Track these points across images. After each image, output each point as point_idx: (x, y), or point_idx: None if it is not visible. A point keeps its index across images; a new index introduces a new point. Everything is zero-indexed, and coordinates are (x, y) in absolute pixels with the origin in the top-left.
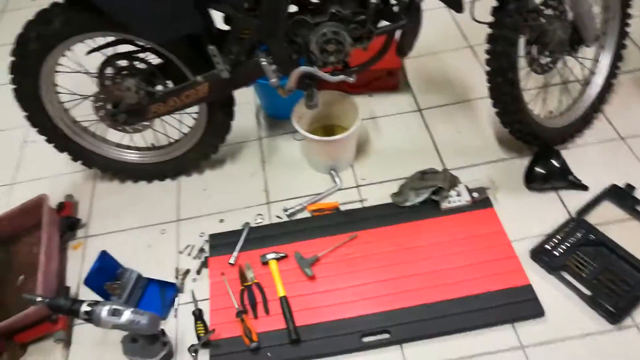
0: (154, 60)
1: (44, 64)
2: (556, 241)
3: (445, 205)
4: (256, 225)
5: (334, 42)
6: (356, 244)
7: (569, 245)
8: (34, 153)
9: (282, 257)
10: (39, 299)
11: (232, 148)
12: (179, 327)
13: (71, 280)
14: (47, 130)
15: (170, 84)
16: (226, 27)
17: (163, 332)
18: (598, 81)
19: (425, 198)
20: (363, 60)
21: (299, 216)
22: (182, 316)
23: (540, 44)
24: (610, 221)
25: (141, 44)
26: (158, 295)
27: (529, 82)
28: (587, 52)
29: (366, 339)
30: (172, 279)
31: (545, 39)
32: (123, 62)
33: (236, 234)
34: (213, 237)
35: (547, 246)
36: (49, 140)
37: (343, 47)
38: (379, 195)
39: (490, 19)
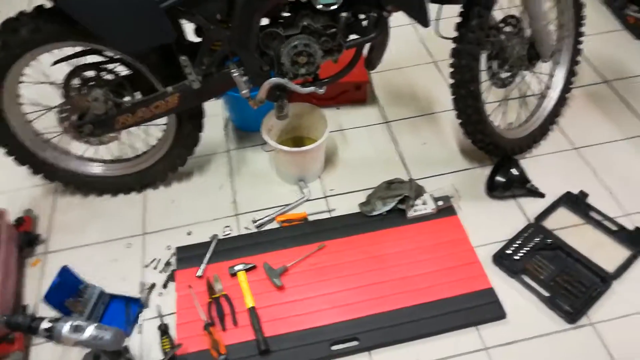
0: (123, 71)
1: (7, 74)
2: (516, 246)
3: (411, 213)
4: (224, 237)
5: (305, 54)
6: (325, 254)
7: (528, 249)
8: None
9: (251, 268)
10: None
11: (200, 160)
12: (143, 343)
13: (29, 298)
14: (7, 143)
15: (138, 95)
16: (197, 39)
17: (127, 349)
18: (553, 95)
19: (392, 207)
20: (332, 73)
21: (268, 227)
22: (147, 332)
23: (500, 59)
24: (565, 226)
25: (110, 54)
26: (122, 311)
27: (490, 95)
28: (544, 67)
29: (335, 347)
30: (137, 294)
31: (505, 54)
32: (90, 73)
33: (204, 246)
34: (180, 249)
35: (507, 251)
36: (9, 153)
37: (314, 60)
38: (347, 205)
39: (453, 35)
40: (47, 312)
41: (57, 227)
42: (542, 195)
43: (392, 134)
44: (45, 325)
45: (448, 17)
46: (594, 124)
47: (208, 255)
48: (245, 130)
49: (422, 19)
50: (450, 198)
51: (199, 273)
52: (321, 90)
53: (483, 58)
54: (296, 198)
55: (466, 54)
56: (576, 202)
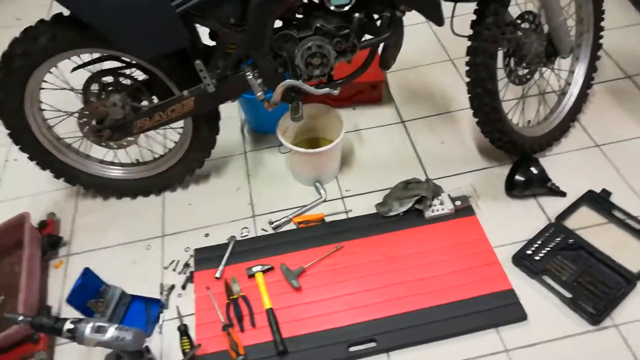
0: (140, 76)
1: (29, 81)
2: (537, 246)
3: (428, 214)
4: (242, 238)
5: (318, 55)
6: (342, 255)
7: (549, 249)
8: (14, 171)
9: (268, 270)
10: (20, 317)
11: (217, 162)
12: (164, 343)
13: (53, 299)
14: (30, 148)
15: (155, 99)
16: (212, 42)
17: (148, 349)
18: (574, 91)
19: (409, 207)
20: (346, 73)
21: (285, 228)
22: (167, 332)
23: (517, 56)
24: (588, 225)
25: (127, 60)
26: (143, 311)
27: (507, 92)
28: (563, 63)
29: (353, 349)
30: (156, 295)
31: (522, 51)
32: (108, 78)
33: (222, 247)
34: (198, 251)
35: (528, 251)
36: (31, 158)
37: (328, 61)
38: (364, 206)
39: (469, 32)
40: (70, 312)
41: (79, 230)
42: (563, 194)
43: (409, 133)
44: (68, 326)
45: (463, 14)
46: (616, 120)
47: (226, 257)
48: (261, 132)
49: (437, 17)
50: (469, 198)
51: (217, 274)
52: (335, 92)
53: (500, 55)
54: (313, 199)
55: (482, 51)
56: (599, 201)
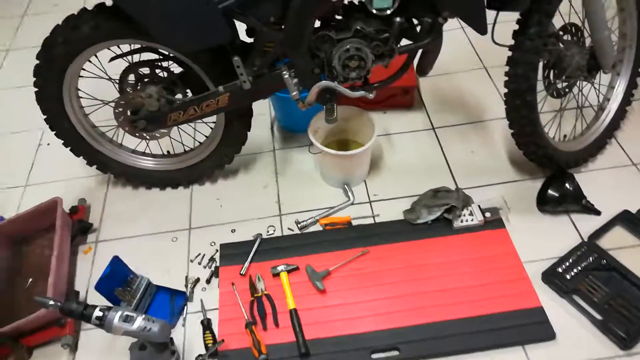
0: (176, 69)
1: (68, 69)
2: (568, 264)
3: (457, 224)
4: (268, 236)
5: (356, 58)
6: (367, 259)
7: (580, 269)
8: (48, 156)
9: (293, 270)
10: (51, 302)
11: (246, 159)
12: (186, 336)
13: (80, 284)
14: (65, 134)
15: (189, 92)
16: (249, 39)
17: (172, 341)
18: (613, 107)
19: (437, 216)
20: (381, 77)
21: (311, 229)
22: (190, 325)
23: (557, 68)
24: (621, 246)
25: (164, 52)
26: (167, 303)
27: (545, 105)
28: (603, 78)
29: (375, 355)
30: (181, 287)
31: (563, 64)
32: (145, 70)
33: (248, 244)
34: (224, 246)
35: (558, 269)
36: (65, 144)
37: (365, 64)
38: (391, 212)
39: (509, 41)
40: (97, 299)
41: (108, 217)
42: (597, 213)
43: (439, 140)
44: (97, 313)
45: (503, 22)
46: None
47: (251, 254)
48: (291, 130)
49: (480, 26)
50: (499, 210)
51: (242, 271)
52: (371, 95)
53: (540, 66)
54: (340, 201)
55: (523, 62)
56: (634, 222)
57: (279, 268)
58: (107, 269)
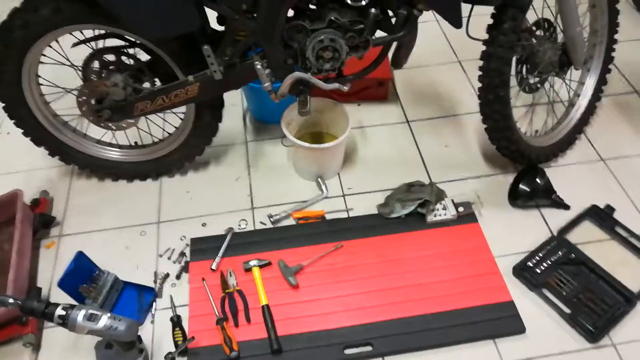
0: (143, 56)
1: (28, 54)
2: (538, 258)
3: (431, 218)
4: (240, 230)
5: (330, 49)
6: (341, 254)
7: (550, 263)
8: (7, 146)
9: (266, 265)
10: (11, 300)
11: (217, 150)
12: (155, 333)
13: (42, 281)
14: (25, 123)
15: (157, 82)
16: (220, 27)
17: (139, 339)
18: (582, 103)
19: (411, 210)
20: (355, 69)
21: (284, 223)
22: (159, 322)
23: (530, 63)
24: (590, 241)
25: (131, 39)
26: (135, 299)
27: (517, 100)
28: (574, 74)
29: (348, 351)
30: (150, 283)
31: (536, 59)
32: (110, 57)
33: (219, 238)
34: (195, 241)
35: (529, 263)
36: (25, 133)
37: (339, 55)
38: (365, 206)
39: (484, 36)
40: (60, 296)
41: (72, 210)
42: (567, 207)
43: (413, 134)
44: (60, 312)
45: (478, 15)
46: (623, 135)
47: (223, 249)
48: (264, 122)
49: (455, 19)
50: (472, 204)
51: (213, 266)
52: (345, 87)
53: (512, 61)
54: (314, 195)
55: (497, 57)
56: (602, 217)
57: (251, 263)
58: (71, 264)
